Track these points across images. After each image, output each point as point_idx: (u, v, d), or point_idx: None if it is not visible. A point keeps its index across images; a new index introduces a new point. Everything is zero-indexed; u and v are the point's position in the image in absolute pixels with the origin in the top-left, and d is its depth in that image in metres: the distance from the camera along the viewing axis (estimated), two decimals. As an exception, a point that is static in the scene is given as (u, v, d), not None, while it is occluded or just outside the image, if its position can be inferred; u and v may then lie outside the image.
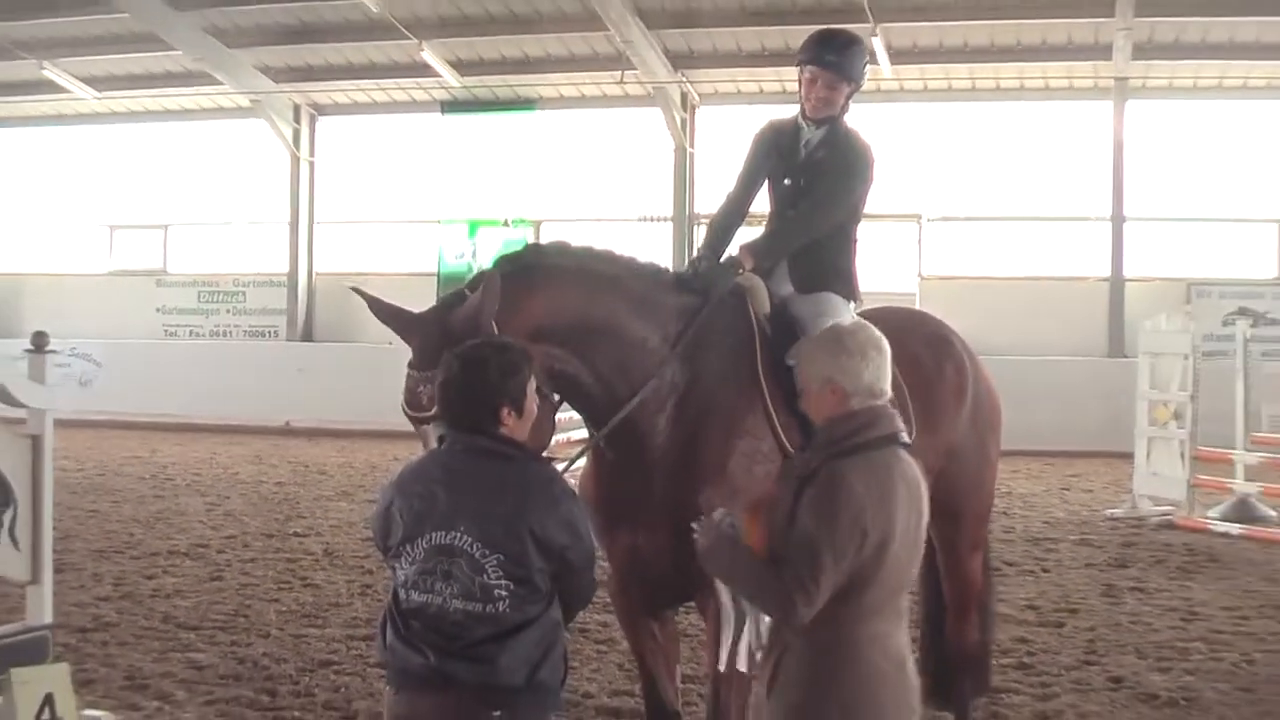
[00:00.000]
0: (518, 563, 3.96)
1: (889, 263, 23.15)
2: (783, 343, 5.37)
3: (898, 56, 22.40)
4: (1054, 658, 8.35)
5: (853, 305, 5.87)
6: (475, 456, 4.07)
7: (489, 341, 4.29)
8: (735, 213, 6.00)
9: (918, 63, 22.95)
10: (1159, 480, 14.50)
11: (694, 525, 4.05)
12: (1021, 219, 23.80)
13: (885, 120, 22.18)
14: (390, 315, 4.69)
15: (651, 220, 24.67)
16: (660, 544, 5.10)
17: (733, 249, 5.78)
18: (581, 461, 5.49)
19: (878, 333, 4.09)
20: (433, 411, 4.36)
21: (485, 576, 3.94)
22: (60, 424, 18.49)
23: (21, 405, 5.64)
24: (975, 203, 23.93)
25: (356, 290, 5.09)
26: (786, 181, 5.90)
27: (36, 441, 5.64)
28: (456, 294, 4.78)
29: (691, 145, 24.91)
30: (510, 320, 4.65)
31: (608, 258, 5.27)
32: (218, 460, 19.09)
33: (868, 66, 5.98)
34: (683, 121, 24.83)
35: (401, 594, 4.07)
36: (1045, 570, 11.23)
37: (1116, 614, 9.56)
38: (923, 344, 6.18)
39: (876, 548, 3.77)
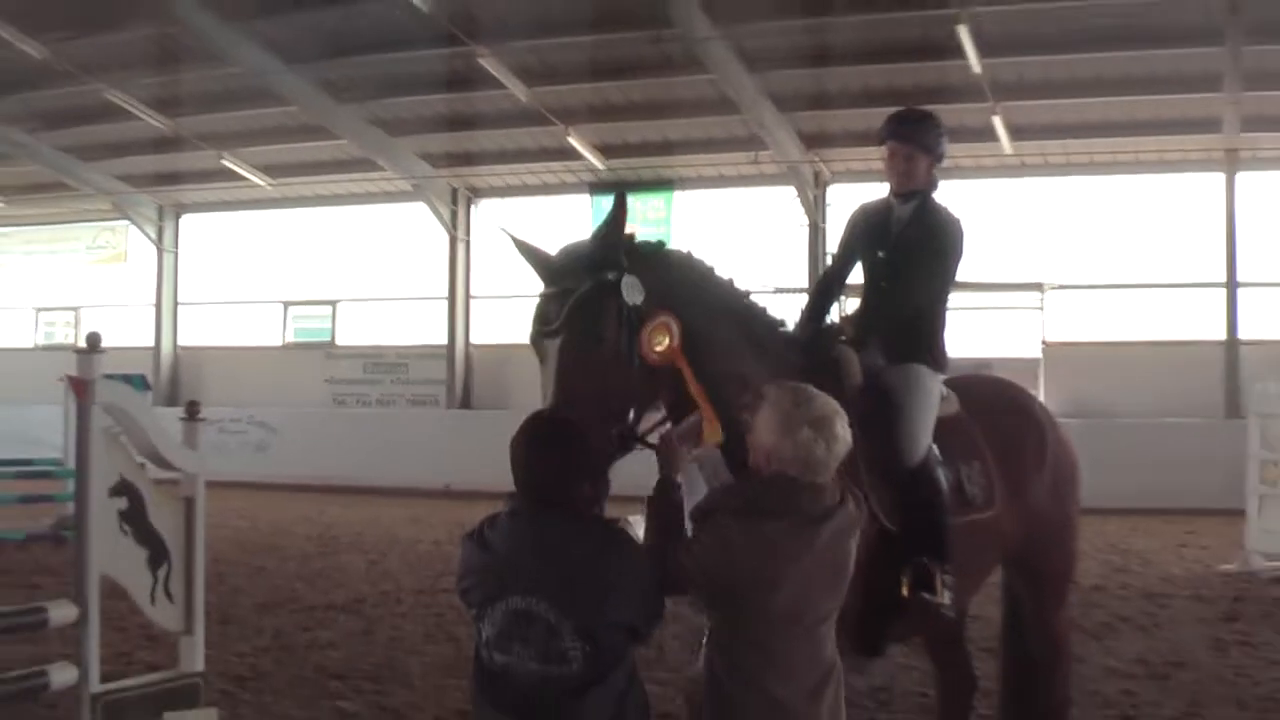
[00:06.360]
0: (591, 628, 4.04)
1: (1013, 330, 23.60)
2: (873, 413, 5.41)
3: (1017, 133, 22.91)
4: (1157, 710, 8.29)
5: (940, 376, 5.96)
6: (553, 525, 4.13)
7: (569, 421, 4.38)
8: (834, 282, 6.28)
9: (1037, 139, 23.33)
10: (1271, 536, 14.77)
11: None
12: (1140, 286, 24.03)
13: (1008, 194, 23.92)
14: (528, 250, 4.98)
15: (785, 291, 25.30)
16: None
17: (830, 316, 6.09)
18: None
19: (832, 410, 4.25)
20: (556, 325, 4.69)
21: (560, 640, 4.02)
22: (238, 485, 21.67)
23: (175, 469, 5.87)
24: (1096, 271, 24.23)
25: (506, 232, 5.23)
26: (880, 254, 6.04)
27: (189, 503, 5.83)
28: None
29: (823, 220, 25.34)
30: (644, 281, 4.86)
31: (737, 290, 5.40)
32: (380, 521, 19.37)
33: (944, 140, 6.12)
34: (815, 198, 25.49)
35: (484, 653, 4.17)
36: (1157, 625, 11.25)
37: (1222, 667, 9.51)
38: (1005, 412, 6.30)
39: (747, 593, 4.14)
